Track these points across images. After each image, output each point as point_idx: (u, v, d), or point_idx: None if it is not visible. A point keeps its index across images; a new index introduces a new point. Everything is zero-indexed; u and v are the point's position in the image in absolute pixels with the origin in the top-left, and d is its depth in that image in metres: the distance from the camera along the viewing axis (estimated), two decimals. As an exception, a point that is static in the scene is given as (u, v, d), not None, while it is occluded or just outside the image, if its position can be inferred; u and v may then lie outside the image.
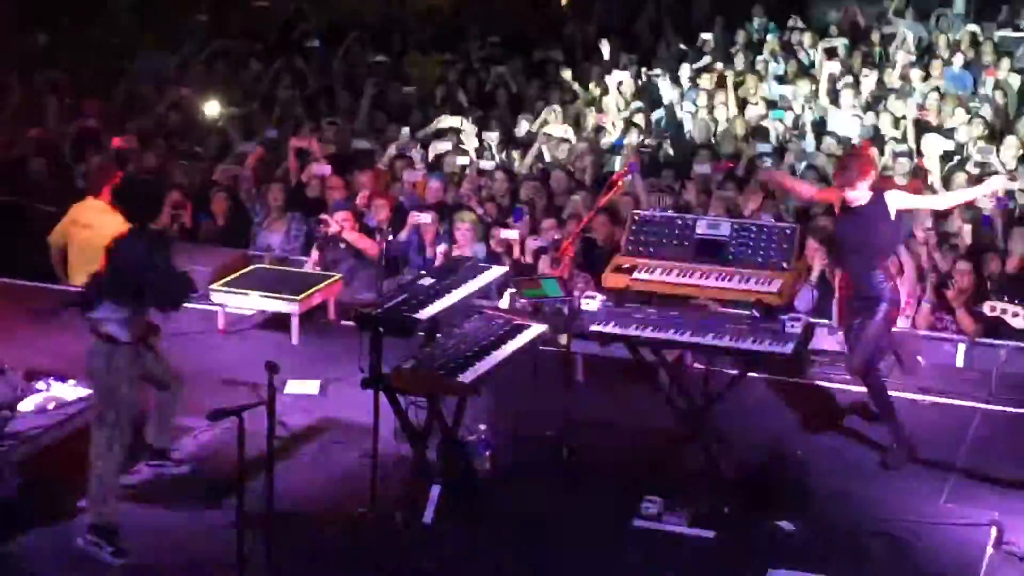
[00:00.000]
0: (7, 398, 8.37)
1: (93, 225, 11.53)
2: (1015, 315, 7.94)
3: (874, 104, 15.30)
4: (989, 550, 7.47)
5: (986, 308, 8.06)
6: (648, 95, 16.13)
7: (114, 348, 7.32)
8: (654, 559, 7.35)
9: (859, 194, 8.33)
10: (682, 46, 18.10)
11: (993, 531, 7.57)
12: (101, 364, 7.32)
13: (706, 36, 17.87)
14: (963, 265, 10.58)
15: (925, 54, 17.13)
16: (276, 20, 19.80)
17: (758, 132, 14.47)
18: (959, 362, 10.31)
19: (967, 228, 11.47)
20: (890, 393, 8.79)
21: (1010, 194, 12.38)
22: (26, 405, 8.39)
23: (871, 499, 8.06)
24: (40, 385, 8.62)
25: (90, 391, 7.73)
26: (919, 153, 13.60)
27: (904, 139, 14.07)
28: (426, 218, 11.84)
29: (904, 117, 14.35)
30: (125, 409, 7.37)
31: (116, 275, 7.35)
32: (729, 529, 7.61)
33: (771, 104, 15.39)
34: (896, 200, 8.40)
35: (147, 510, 7.82)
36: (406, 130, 14.53)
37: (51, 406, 8.42)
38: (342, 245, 11.67)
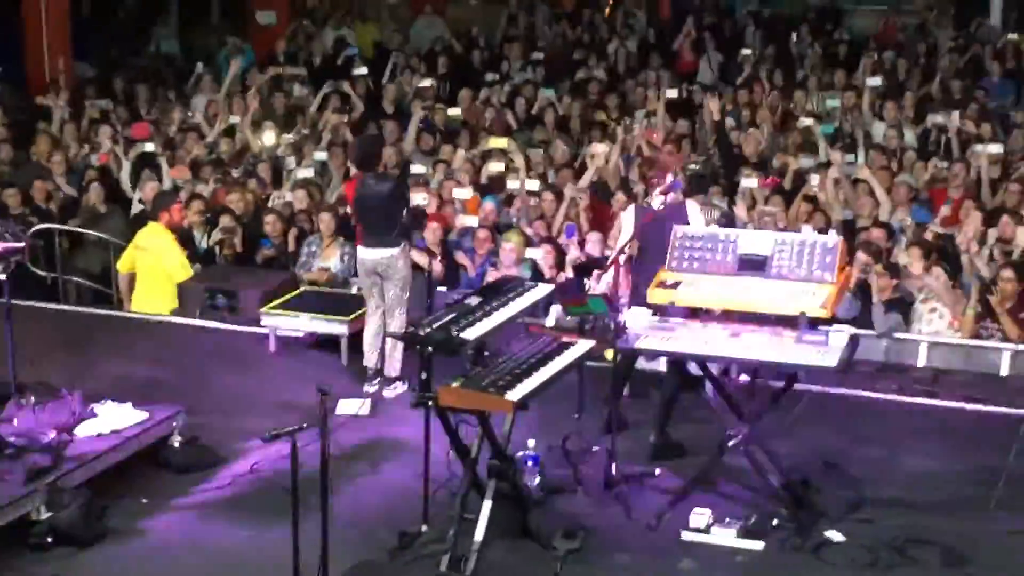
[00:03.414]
0: (65, 422, 8.52)
1: (149, 249, 11.85)
2: None
3: (917, 117, 15.34)
4: (1039, 557, 7.50)
5: None
6: (692, 111, 16.22)
7: (405, 252, 9.83)
8: (704, 571, 7.42)
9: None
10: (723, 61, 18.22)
11: (1043, 538, 7.61)
12: (403, 264, 9.85)
13: (746, 52, 17.93)
14: (1007, 272, 10.60)
15: (967, 64, 17.16)
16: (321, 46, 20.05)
17: (805, 146, 14.51)
18: (1004, 370, 10.34)
19: (1021, 233, 11.41)
20: (937, 403, 8.83)
21: None
22: (84, 429, 8.51)
23: (919, 508, 8.10)
24: (97, 409, 8.70)
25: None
26: (966, 164, 13.60)
27: (949, 151, 14.09)
28: (472, 221, 12.07)
29: (946, 129, 14.38)
30: None
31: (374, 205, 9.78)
32: (778, 540, 7.66)
33: (817, 117, 15.43)
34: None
35: (205, 526, 7.98)
36: (461, 152, 14.64)
37: (108, 430, 8.53)
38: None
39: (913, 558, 7.46)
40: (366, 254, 9.97)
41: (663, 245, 8.40)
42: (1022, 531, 7.72)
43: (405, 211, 9.94)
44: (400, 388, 9.95)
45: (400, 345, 9.81)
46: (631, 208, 9.08)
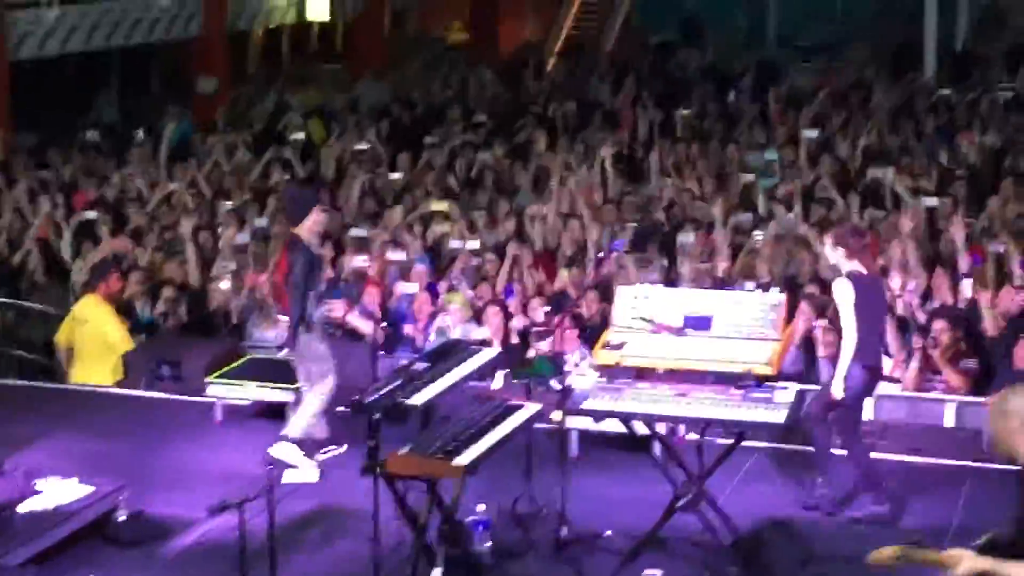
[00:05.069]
0: (8, 498, 8.40)
1: (88, 320, 11.75)
2: None
3: (857, 169, 15.50)
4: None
5: None
6: (633, 168, 16.31)
7: (312, 330, 9.39)
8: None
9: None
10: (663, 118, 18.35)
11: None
12: (308, 349, 9.46)
13: (684, 112, 18.08)
14: (939, 323, 10.66)
15: (900, 118, 17.39)
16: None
17: (743, 202, 14.59)
18: (948, 422, 10.39)
19: (966, 282, 11.47)
20: (880, 455, 8.88)
21: None
22: (28, 505, 8.40)
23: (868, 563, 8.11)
24: (41, 484, 8.59)
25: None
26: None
27: (883, 203, 14.22)
28: (412, 288, 12.01)
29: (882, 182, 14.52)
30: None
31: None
32: (729, 599, 7.68)
33: (756, 172, 15.51)
34: None
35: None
36: (398, 210, 14.62)
37: (53, 505, 8.43)
38: (337, 332, 11.76)
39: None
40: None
41: (881, 306, 8.88)
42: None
43: (306, 294, 9.40)
44: (335, 451, 9.81)
45: (318, 408, 9.56)
46: (844, 280, 8.90)
